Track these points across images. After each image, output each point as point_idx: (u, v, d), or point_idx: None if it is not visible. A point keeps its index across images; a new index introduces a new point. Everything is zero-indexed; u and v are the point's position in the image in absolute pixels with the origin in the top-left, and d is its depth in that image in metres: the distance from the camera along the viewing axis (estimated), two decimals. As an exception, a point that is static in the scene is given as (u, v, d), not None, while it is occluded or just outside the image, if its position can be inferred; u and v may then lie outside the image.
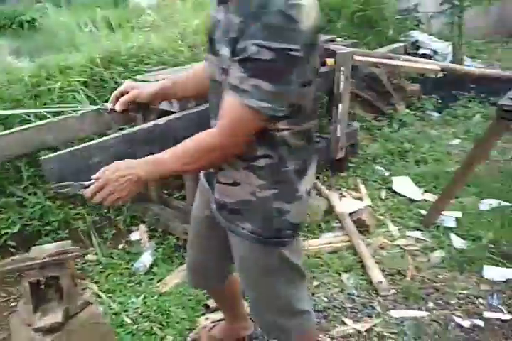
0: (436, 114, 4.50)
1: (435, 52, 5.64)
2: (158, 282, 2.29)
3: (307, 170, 1.25)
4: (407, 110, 4.35)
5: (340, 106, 2.89)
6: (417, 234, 2.70)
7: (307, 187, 1.27)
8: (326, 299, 2.22)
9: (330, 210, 2.82)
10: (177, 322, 2.03)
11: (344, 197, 3.01)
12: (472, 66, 5.17)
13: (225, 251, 1.40)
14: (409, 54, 5.56)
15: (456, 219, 2.75)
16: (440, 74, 3.51)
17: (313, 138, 1.26)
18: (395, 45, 3.75)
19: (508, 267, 2.38)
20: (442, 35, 5.87)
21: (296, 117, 1.15)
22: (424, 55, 5.68)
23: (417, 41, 5.93)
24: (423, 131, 4.10)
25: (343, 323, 2.08)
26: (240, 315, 1.89)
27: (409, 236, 2.70)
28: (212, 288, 1.72)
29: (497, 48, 6.64)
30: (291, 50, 1.00)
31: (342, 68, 2.77)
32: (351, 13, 4.89)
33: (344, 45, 2.99)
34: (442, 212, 2.73)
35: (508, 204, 2.85)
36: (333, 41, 3.14)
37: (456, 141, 3.94)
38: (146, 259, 2.38)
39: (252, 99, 1.03)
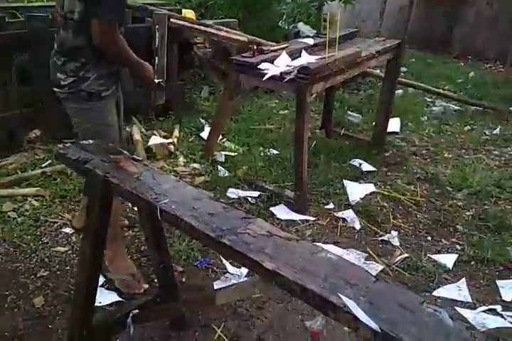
0: (284, 92, 5.22)
1: (310, 42, 6.39)
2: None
3: None
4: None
5: (156, 58, 3.52)
6: (196, 165, 3.39)
7: None
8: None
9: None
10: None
11: (155, 134, 3.67)
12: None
13: None
14: (289, 42, 6.32)
15: (230, 157, 3.45)
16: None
17: None
18: (226, 20, 4.42)
19: (244, 190, 3.09)
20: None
21: None
22: (301, 44, 6.44)
23: (298, 31, 6.70)
24: (263, 103, 4.80)
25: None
26: None
27: (190, 166, 3.39)
28: None
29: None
30: None
31: (157, 26, 3.40)
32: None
33: (169, 10, 3.63)
34: (219, 151, 3.44)
35: (276, 152, 3.60)
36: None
37: (285, 111, 4.68)
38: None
39: None
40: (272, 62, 2.91)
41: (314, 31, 6.67)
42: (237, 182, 3.17)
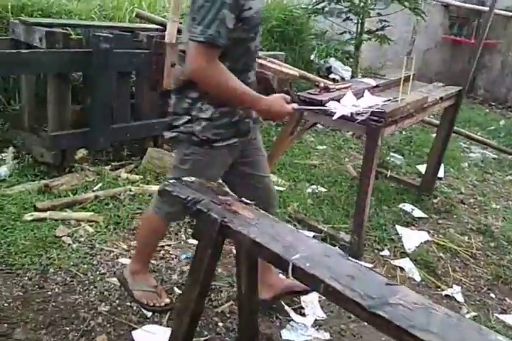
0: (320, 126, 5.17)
1: (342, 78, 6.39)
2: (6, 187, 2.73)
3: None
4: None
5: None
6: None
7: None
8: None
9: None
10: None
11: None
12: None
13: None
14: (321, 76, 6.32)
15: (278, 192, 3.34)
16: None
17: None
18: (275, 53, 4.40)
19: (296, 228, 2.97)
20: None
21: None
22: (333, 80, 6.44)
23: (330, 67, 6.71)
24: (302, 137, 4.71)
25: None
26: None
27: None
28: None
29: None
30: None
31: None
32: (270, 28, 5.53)
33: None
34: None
35: (323, 189, 3.50)
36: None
37: (323, 147, 4.60)
38: (2, 170, 2.82)
39: None
40: (339, 101, 2.84)
41: (346, 67, 6.71)
42: (288, 220, 3.05)
